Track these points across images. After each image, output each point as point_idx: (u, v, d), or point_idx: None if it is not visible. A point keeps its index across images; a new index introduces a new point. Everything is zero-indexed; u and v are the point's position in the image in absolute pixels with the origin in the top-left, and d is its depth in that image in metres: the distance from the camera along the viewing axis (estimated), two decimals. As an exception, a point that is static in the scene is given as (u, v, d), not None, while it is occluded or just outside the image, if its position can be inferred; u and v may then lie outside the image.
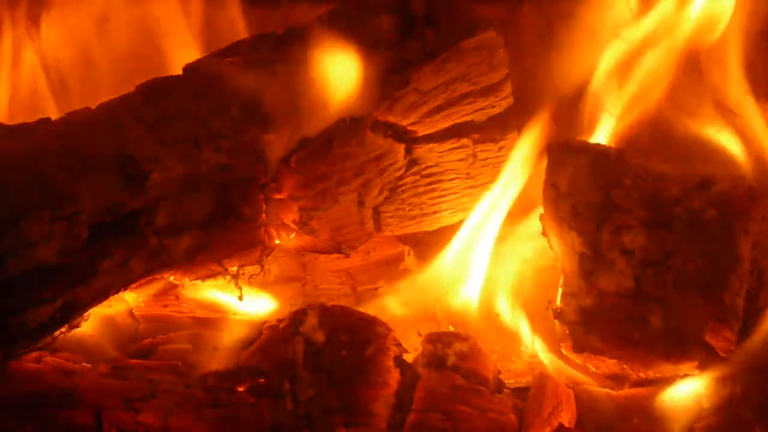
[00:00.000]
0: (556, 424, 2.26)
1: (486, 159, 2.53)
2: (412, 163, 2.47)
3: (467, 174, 2.52)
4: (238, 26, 2.87)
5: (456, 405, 2.27)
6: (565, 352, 2.40)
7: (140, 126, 2.32)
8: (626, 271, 2.34)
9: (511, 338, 2.52)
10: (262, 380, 2.27)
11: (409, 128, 2.46)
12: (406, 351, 2.39)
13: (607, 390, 2.38)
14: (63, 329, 2.24)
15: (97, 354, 2.39)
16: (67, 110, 2.38)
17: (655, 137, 2.70)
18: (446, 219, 2.55)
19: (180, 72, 2.45)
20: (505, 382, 2.40)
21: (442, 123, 2.49)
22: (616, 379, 2.39)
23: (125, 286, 2.30)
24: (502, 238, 2.58)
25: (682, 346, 2.30)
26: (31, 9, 2.88)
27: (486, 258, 2.57)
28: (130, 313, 2.53)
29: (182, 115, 2.35)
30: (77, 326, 2.29)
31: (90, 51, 2.92)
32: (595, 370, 2.39)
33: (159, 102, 2.36)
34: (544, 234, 2.46)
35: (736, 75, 2.73)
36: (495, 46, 2.50)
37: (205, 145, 2.33)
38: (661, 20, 2.72)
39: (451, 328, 2.53)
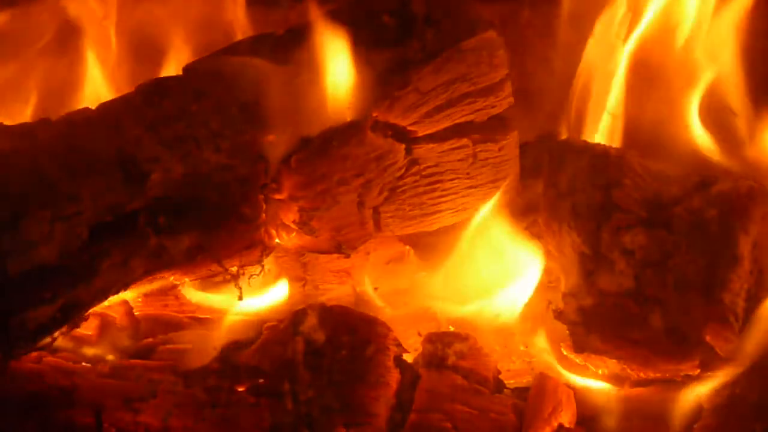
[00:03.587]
0: (556, 424, 2.26)
1: (486, 159, 2.52)
2: (413, 163, 2.47)
3: (467, 174, 2.52)
4: (238, 26, 2.87)
5: (456, 405, 2.27)
6: (565, 352, 2.40)
7: (140, 126, 2.32)
8: (626, 271, 2.34)
9: (511, 338, 2.53)
10: (262, 380, 2.27)
11: (409, 128, 2.46)
12: (406, 351, 2.39)
13: (607, 390, 2.38)
14: (63, 329, 2.24)
15: (97, 354, 2.39)
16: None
17: (655, 137, 2.70)
18: (446, 219, 2.55)
19: (180, 72, 2.45)
20: (505, 382, 2.40)
21: (442, 123, 2.49)
22: (616, 379, 2.39)
23: (125, 286, 2.31)
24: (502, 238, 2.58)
25: (682, 346, 2.30)
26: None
27: (486, 258, 2.57)
28: (130, 313, 2.53)
29: (182, 115, 2.35)
30: (77, 326, 2.29)
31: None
32: (595, 370, 2.39)
33: (159, 102, 2.36)
34: (544, 234, 2.46)
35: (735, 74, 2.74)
36: (495, 46, 2.49)
37: (205, 146, 2.33)
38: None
39: (451, 328, 2.53)
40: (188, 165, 2.31)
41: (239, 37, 2.78)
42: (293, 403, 2.24)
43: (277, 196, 2.38)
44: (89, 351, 2.39)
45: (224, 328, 2.46)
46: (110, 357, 2.40)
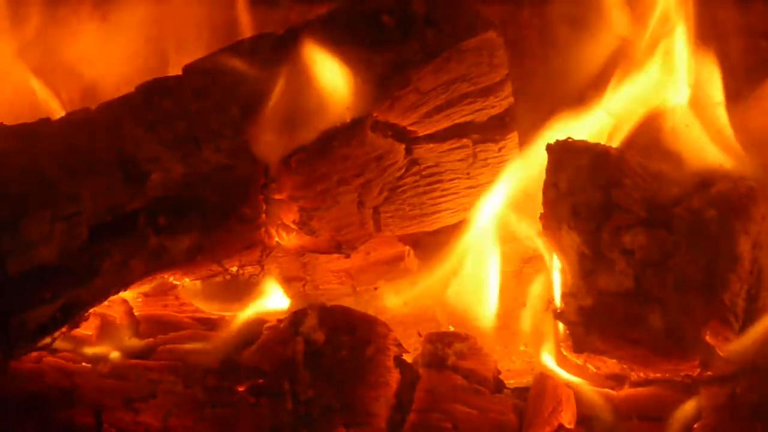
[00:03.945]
0: (556, 424, 2.26)
1: (486, 159, 2.53)
2: (412, 163, 2.47)
3: (467, 174, 2.52)
4: (238, 26, 2.87)
5: (456, 405, 2.27)
6: (565, 352, 2.40)
7: (140, 126, 2.33)
8: (626, 271, 2.34)
9: (511, 338, 2.52)
10: (262, 380, 2.27)
11: (409, 128, 2.46)
12: (406, 351, 2.39)
13: (607, 390, 2.38)
14: (63, 329, 2.24)
15: (97, 354, 2.39)
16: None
17: (655, 137, 2.69)
18: (446, 219, 2.55)
19: (180, 72, 2.45)
20: (505, 382, 2.40)
21: (442, 123, 2.49)
22: (616, 379, 2.39)
23: (125, 286, 2.31)
24: (502, 239, 2.58)
25: (682, 346, 2.30)
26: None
27: (486, 258, 2.57)
28: (130, 313, 2.53)
29: (182, 115, 2.35)
30: (77, 326, 2.29)
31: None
32: (595, 370, 2.39)
33: (159, 102, 2.36)
34: (544, 234, 2.46)
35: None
36: (495, 46, 2.50)
37: (205, 146, 2.33)
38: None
39: (451, 328, 2.53)
40: (188, 165, 2.31)
41: (239, 37, 2.77)
42: (293, 403, 2.24)
43: (277, 196, 2.38)
44: (89, 351, 2.39)
45: (225, 328, 2.46)
46: (110, 357, 2.40)
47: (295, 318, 2.35)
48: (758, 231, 2.37)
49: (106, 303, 2.33)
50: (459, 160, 2.51)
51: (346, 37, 2.44)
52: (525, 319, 2.50)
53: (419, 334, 2.49)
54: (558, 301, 2.42)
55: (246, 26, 2.86)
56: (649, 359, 2.32)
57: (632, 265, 2.34)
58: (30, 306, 2.16)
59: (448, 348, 2.35)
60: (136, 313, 2.54)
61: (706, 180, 2.41)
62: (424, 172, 2.49)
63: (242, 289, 2.48)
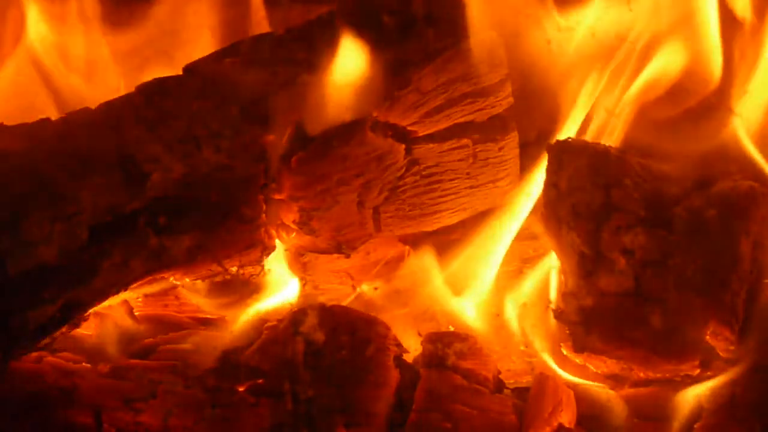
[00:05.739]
0: (556, 424, 2.26)
1: (486, 159, 2.52)
2: (413, 163, 2.47)
3: (467, 174, 2.52)
4: (241, 26, 2.87)
5: (456, 405, 2.27)
6: (565, 352, 2.40)
7: (140, 126, 2.33)
8: (626, 271, 2.34)
9: (511, 338, 2.52)
10: (262, 380, 2.28)
11: (409, 128, 2.46)
12: (406, 351, 2.39)
13: (607, 390, 2.38)
14: (63, 329, 2.24)
15: (97, 354, 2.39)
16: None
17: (656, 137, 2.69)
18: (446, 219, 2.55)
19: (180, 72, 2.45)
20: (505, 382, 2.41)
21: (443, 123, 2.49)
22: (616, 379, 2.39)
23: (125, 286, 2.31)
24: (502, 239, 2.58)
25: (682, 346, 2.30)
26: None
27: (486, 258, 2.57)
28: (130, 313, 2.53)
29: (182, 115, 2.35)
30: (77, 326, 2.29)
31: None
32: (595, 370, 2.40)
33: (159, 102, 2.36)
34: (544, 234, 2.46)
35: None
36: (495, 46, 2.50)
37: (205, 146, 2.33)
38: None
39: (451, 328, 2.53)
40: (188, 165, 2.31)
41: (240, 36, 2.77)
42: (293, 403, 2.24)
43: (277, 196, 2.38)
44: (89, 351, 2.39)
45: (225, 328, 2.46)
46: (110, 357, 2.40)
47: (295, 318, 2.35)
48: (758, 231, 2.38)
49: (106, 303, 2.33)
50: (459, 160, 2.51)
51: (345, 37, 2.43)
52: (525, 319, 2.50)
53: (419, 334, 2.49)
54: (558, 301, 2.42)
55: (258, 25, 2.86)
56: (649, 359, 2.32)
57: (632, 265, 2.34)
58: (30, 306, 2.16)
59: (448, 348, 2.36)
60: (136, 313, 2.54)
61: (706, 180, 2.41)
62: (424, 172, 2.48)
63: (242, 289, 2.49)
